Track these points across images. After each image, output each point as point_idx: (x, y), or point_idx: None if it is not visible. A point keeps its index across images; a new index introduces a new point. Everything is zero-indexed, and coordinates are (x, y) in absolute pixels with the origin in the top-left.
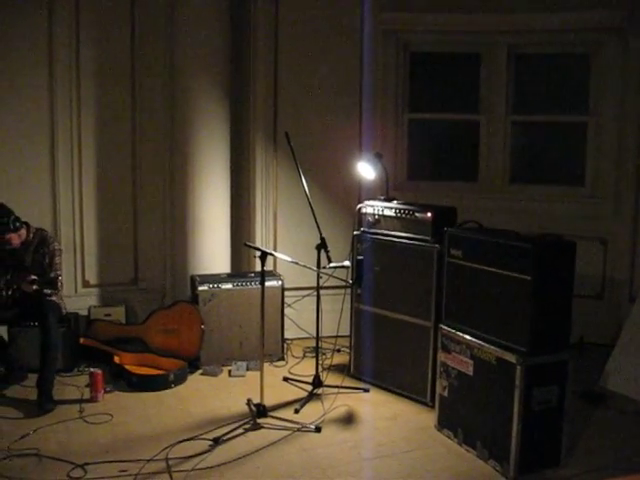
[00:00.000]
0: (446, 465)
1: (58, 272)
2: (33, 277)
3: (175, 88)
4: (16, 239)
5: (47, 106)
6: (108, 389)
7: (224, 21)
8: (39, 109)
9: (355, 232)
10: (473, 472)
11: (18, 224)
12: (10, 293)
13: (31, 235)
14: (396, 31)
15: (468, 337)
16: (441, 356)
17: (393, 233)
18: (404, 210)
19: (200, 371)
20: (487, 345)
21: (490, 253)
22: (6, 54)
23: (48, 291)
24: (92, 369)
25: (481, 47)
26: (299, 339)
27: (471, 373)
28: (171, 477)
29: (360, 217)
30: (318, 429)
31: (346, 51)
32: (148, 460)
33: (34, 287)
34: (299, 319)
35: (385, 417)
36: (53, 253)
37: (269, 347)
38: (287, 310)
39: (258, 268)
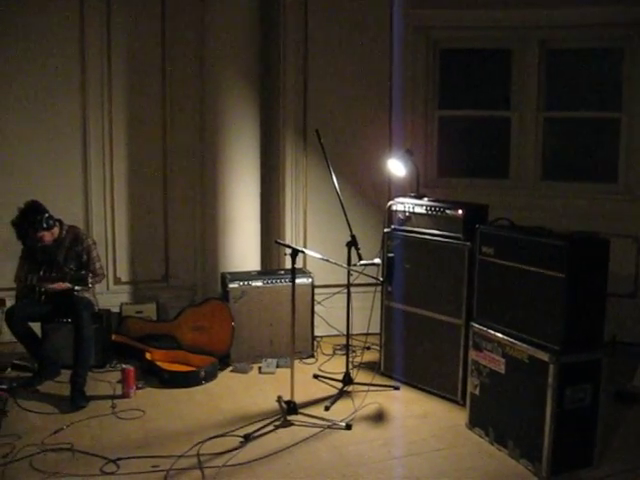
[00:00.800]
0: (477, 464)
1: (97, 264)
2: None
3: (205, 85)
4: (49, 237)
5: (79, 103)
6: (140, 385)
7: (254, 16)
8: (71, 106)
9: (385, 229)
10: (505, 471)
11: (51, 222)
12: (43, 290)
13: (64, 232)
14: (426, 28)
15: (500, 335)
16: (472, 354)
17: (424, 230)
18: (435, 207)
19: (230, 368)
20: (519, 343)
21: (523, 251)
22: (38, 50)
23: (78, 288)
24: (124, 365)
25: (512, 43)
26: (329, 336)
27: (503, 371)
28: (202, 473)
29: (390, 214)
30: (348, 427)
31: (376, 48)
32: (180, 456)
33: (56, 285)
34: (329, 316)
35: (416, 415)
36: (89, 248)
37: (299, 344)
38: (317, 307)
39: (288, 265)
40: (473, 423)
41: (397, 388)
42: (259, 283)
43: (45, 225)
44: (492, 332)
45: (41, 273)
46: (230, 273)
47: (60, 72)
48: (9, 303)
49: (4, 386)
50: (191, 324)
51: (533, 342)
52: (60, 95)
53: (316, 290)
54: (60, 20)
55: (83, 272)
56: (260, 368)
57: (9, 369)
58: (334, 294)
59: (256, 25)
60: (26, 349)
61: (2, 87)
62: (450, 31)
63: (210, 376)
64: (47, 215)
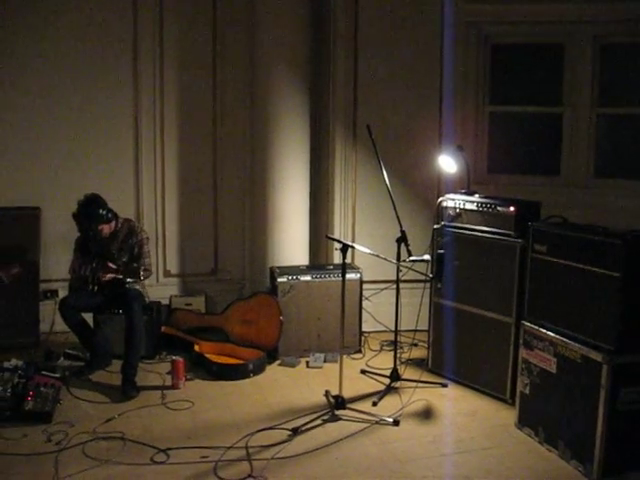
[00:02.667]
0: (526, 464)
1: (147, 260)
2: (111, 266)
3: (255, 79)
4: (107, 230)
5: (131, 97)
6: (189, 377)
7: (304, 11)
8: (123, 100)
9: (435, 226)
10: (554, 472)
11: (110, 215)
12: (96, 281)
13: (119, 225)
14: (478, 22)
15: (552, 334)
16: (523, 353)
17: (474, 227)
18: (486, 204)
19: (278, 361)
20: (572, 343)
21: (576, 249)
22: (91, 45)
23: (130, 280)
24: (174, 357)
25: (564, 37)
26: (376, 332)
27: (554, 371)
28: (251, 465)
29: (440, 211)
30: (396, 422)
31: (427, 42)
32: (228, 447)
33: (108, 276)
34: (376, 312)
35: (464, 413)
36: (141, 242)
37: (347, 339)
38: (364, 303)
39: (336, 260)
40: (522, 422)
41: (445, 385)
42: (308, 278)
43: (105, 219)
44: (544, 331)
45: (94, 265)
46: (279, 267)
47: (112, 67)
48: (62, 294)
49: (57, 375)
50: (240, 317)
51: (586, 342)
52: (112, 90)
53: (364, 286)
54: (114, 18)
55: (135, 265)
56: (308, 362)
57: (62, 358)
58: (382, 290)
59: (306, 21)
60: (78, 339)
61: (55, 85)
62: (501, 26)
63: (258, 369)
64: (107, 209)
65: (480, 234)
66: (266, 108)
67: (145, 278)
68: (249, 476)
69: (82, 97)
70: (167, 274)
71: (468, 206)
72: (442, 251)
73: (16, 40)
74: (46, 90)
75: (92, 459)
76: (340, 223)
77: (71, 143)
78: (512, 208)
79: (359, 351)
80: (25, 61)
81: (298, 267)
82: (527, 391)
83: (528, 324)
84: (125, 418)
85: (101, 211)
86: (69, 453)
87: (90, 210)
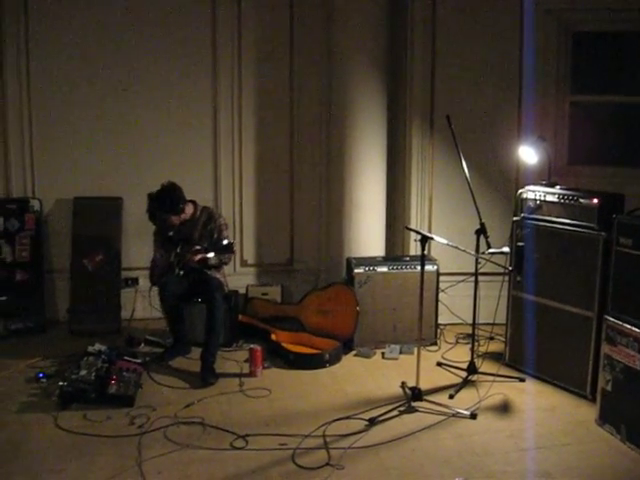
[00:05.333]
0: (607, 462)
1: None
2: (197, 247)
3: (332, 69)
4: (176, 220)
5: (210, 88)
6: (266, 365)
7: (381, 2)
8: (202, 91)
9: (515, 218)
10: (637, 471)
11: (180, 207)
12: (182, 265)
13: (198, 212)
14: (558, 10)
15: (637, 330)
16: (605, 348)
17: (555, 219)
18: (568, 196)
19: (354, 352)
20: None
21: None
22: (171, 35)
23: (215, 261)
24: (252, 345)
25: None
26: (451, 325)
27: (639, 367)
28: (329, 454)
29: (520, 202)
30: (473, 416)
31: (505, 31)
32: (306, 436)
33: (198, 257)
34: (452, 305)
35: (542, 408)
36: (220, 227)
37: (423, 331)
38: (440, 295)
39: (412, 252)
40: (603, 419)
41: (523, 380)
42: (384, 269)
43: (173, 210)
44: (628, 326)
45: (178, 250)
46: (355, 258)
47: (192, 60)
48: (142, 282)
49: (138, 360)
50: (316, 307)
51: None
52: (192, 82)
53: (440, 278)
54: (193, 13)
55: (227, 242)
56: (383, 353)
57: (142, 344)
58: (458, 282)
59: (384, 11)
60: (169, 324)
61: (135, 78)
62: (583, 13)
63: (334, 359)
64: (178, 201)
65: (561, 226)
66: (343, 98)
67: (230, 259)
68: (327, 464)
69: (161, 88)
70: (244, 264)
71: (549, 198)
72: (522, 243)
73: (96, 35)
74: (127, 83)
75: (174, 443)
76: (417, 214)
77: (151, 134)
78: (595, 200)
79: (435, 343)
80: (106, 55)
81: (374, 258)
82: (609, 387)
83: (611, 319)
84: (204, 404)
85: (169, 201)
86: (151, 436)
87: (160, 199)
